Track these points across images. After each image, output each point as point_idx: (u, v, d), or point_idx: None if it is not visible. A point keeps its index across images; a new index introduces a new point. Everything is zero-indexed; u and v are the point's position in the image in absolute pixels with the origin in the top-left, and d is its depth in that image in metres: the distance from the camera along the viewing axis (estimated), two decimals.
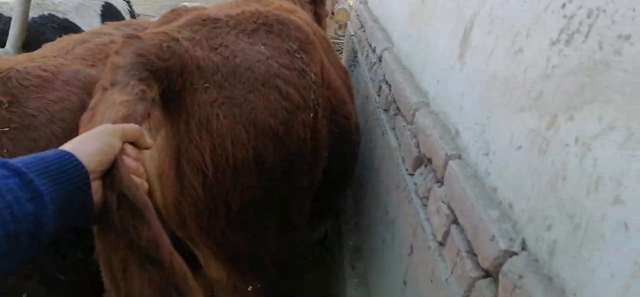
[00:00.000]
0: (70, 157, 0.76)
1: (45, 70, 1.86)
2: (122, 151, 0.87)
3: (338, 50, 6.19)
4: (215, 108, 1.33)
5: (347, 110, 2.08)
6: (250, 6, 1.91)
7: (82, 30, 3.14)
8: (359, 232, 2.70)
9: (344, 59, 4.75)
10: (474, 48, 1.47)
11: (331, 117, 1.89)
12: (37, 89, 1.77)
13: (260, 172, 1.43)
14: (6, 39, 2.59)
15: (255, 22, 1.65)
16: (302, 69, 1.58)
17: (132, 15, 3.90)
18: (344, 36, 6.86)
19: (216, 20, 1.58)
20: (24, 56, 2.03)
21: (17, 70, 1.77)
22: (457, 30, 1.66)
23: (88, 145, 0.80)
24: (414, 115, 1.85)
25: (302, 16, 2.16)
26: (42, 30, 2.90)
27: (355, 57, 3.78)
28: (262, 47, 1.54)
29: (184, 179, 1.34)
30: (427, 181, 1.58)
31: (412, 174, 1.77)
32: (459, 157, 1.40)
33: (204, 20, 1.56)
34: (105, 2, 3.51)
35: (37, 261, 1.55)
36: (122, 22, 2.83)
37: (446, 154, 1.43)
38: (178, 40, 1.37)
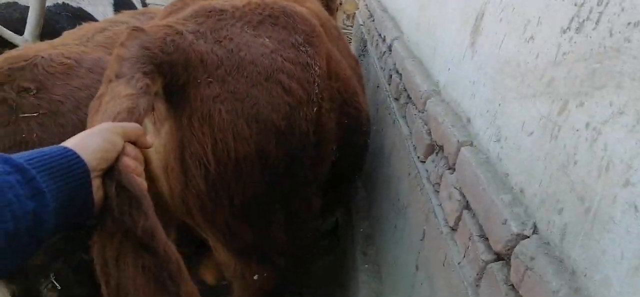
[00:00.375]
0: (72, 155, 0.76)
1: (69, 58, 1.90)
2: (122, 151, 0.87)
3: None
4: (217, 103, 1.33)
5: (358, 101, 2.08)
6: None
7: (96, 19, 3.18)
8: (370, 220, 2.74)
9: (353, 49, 4.76)
10: (485, 36, 1.48)
11: (341, 109, 1.89)
12: (62, 76, 1.81)
13: (263, 167, 1.44)
14: (23, 28, 2.63)
15: (261, 14, 1.64)
16: (307, 62, 1.58)
17: (144, 4, 3.93)
18: (352, 26, 6.84)
19: (222, 11, 1.58)
20: (46, 44, 2.07)
21: (43, 57, 1.82)
22: (468, 18, 1.68)
23: (91, 143, 0.81)
24: (425, 103, 1.87)
25: (311, 6, 2.17)
26: (56, 19, 2.95)
27: (365, 46, 3.80)
28: (267, 40, 1.54)
29: (187, 172, 1.36)
30: (439, 168, 1.60)
31: (424, 162, 1.80)
32: (471, 144, 1.42)
33: (210, 12, 1.56)
34: None
35: (64, 242, 1.60)
36: (138, 10, 2.87)
37: (458, 141, 1.45)
38: (182, 33, 1.38)
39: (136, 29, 1.32)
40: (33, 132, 1.67)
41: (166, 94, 1.30)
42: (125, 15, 2.55)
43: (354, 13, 7.33)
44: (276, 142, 1.43)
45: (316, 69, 1.62)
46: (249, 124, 1.38)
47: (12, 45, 2.57)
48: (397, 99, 2.42)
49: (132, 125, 0.95)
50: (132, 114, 1.04)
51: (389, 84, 2.65)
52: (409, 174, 1.94)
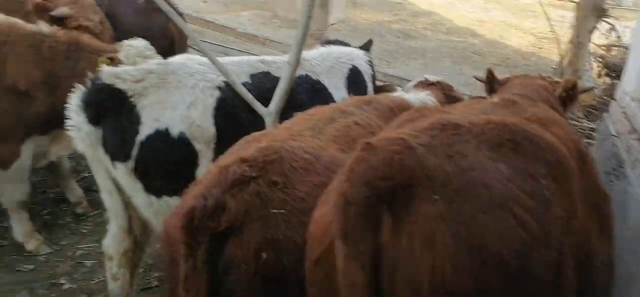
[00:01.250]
0: None
1: (308, 153, 1.91)
2: None
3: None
4: (440, 224, 1.25)
5: (590, 246, 1.75)
6: (498, 114, 1.80)
7: (328, 91, 3.37)
8: None
9: (596, 159, 4.00)
10: None
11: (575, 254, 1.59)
12: (303, 172, 1.84)
13: None
14: (270, 97, 2.79)
15: (500, 136, 1.53)
16: (547, 199, 1.42)
17: (373, 76, 3.98)
18: (583, 118, 5.98)
19: (458, 126, 1.54)
20: (285, 131, 2.13)
21: (286, 150, 1.86)
22: None
23: None
24: None
25: (557, 131, 1.85)
26: (298, 90, 3.14)
27: (620, 166, 3.12)
28: (503, 165, 1.42)
29: (395, 293, 1.30)
30: None
31: None
32: None
33: (444, 125, 1.54)
34: (353, 66, 3.65)
35: None
36: (364, 98, 2.87)
37: None
38: (413, 148, 1.38)
39: (365, 149, 1.39)
40: (279, 229, 1.67)
41: (390, 209, 1.31)
42: (351, 103, 2.59)
43: (591, 105, 6.40)
44: (504, 282, 1.28)
45: (557, 209, 1.44)
46: (471, 254, 1.25)
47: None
48: None
49: None
50: None
51: None
52: None
